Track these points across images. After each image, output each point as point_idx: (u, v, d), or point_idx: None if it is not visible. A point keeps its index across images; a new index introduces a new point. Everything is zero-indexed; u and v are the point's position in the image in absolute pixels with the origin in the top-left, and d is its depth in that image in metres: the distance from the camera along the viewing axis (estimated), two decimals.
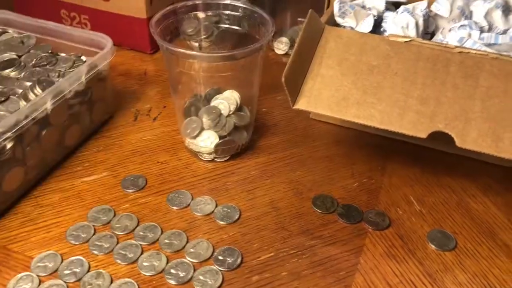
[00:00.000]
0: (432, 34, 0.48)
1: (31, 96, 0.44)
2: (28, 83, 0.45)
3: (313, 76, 0.43)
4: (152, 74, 0.61)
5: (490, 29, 0.44)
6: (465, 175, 0.47)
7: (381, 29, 0.46)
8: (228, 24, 0.52)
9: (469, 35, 0.43)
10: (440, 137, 0.39)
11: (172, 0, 0.63)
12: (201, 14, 0.64)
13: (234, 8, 0.49)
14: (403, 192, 0.45)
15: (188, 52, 0.42)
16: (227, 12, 0.50)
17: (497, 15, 0.44)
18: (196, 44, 0.62)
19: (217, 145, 0.47)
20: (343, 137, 0.51)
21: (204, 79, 0.48)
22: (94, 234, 0.40)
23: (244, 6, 0.48)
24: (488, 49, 0.42)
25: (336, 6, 0.46)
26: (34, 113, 0.42)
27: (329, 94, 0.42)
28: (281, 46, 0.66)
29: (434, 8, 0.47)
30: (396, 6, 0.48)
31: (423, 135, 0.39)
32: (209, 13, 0.64)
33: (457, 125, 0.39)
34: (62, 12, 0.65)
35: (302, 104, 0.42)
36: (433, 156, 0.49)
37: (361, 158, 0.49)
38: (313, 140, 0.51)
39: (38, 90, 0.44)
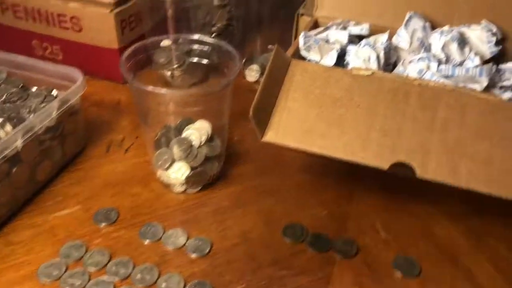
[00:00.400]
0: (394, 65, 0.50)
1: (1, 133, 0.44)
2: None
3: (281, 109, 0.44)
4: (125, 104, 0.62)
5: (447, 60, 0.47)
6: (430, 202, 0.49)
7: (345, 62, 0.48)
8: (198, 56, 0.53)
9: (428, 67, 0.45)
10: (401, 168, 0.41)
11: (143, 30, 0.64)
12: (172, 44, 0.65)
13: (203, 42, 0.50)
14: (370, 220, 0.46)
15: (157, 90, 0.43)
16: (196, 46, 0.51)
17: (453, 47, 0.46)
18: (169, 73, 0.63)
19: (188, 177, 0.48)
20: (313, 165, 0.53)
21: (174, 111, 0.48)
22: (66, 271, 0.41)
23: (212, 41, 0.50)
24: (446, 81, 0.44)
25: (301, 40, 0.48)
26: (5, 151, 0.42)
27: (295, 127, 0.44)
28: (252, 74, 0.67)
29: (395, 40, 0.49)
30: (360, 38, 0.50)
31: (385, 166, 0.40)
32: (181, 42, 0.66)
33: (417, 156, 0.40)
34: (33, 43, 0.65)
35: (270, 137, 0.43)
36: (399, 182, 0.51)
37: (330, 185, 0.50)
38: (284, 168, 0.52)
39: (8, 127, 0.45)
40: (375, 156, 0.41)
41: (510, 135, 0.40)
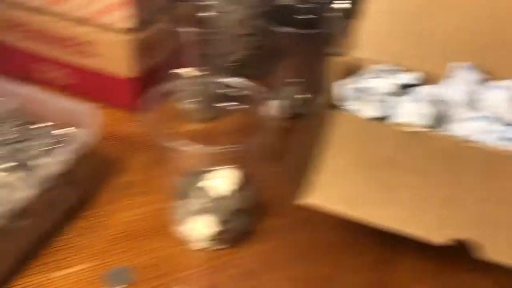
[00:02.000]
0: (445, 121, 0.45)
1: (14, 181, 0.39)
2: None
3: (324, 168, 0.40)
4: (139, 137, 0.55)
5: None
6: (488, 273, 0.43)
7: (387, 115, 0.43)
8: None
9: (488, 128, 0.40)
10: (461, 246, 0.36)
11: (158, 59, 0.58)
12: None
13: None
14: None
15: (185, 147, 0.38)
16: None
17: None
18: (188, 107, 0.58)
19: (215, 234, 0.42)
20: (350, 221, 0.48)
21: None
22: None
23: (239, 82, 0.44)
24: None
25: (336, 90, 0.43)
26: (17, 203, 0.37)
27: (340, 189, 0.39)
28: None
29: (446, 93, 0.44)
30: (403, 87, 0.45)
31: (441, 240, 0.36)
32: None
33: (483, 233, 0.36)
34: (34, 65, 0.60)
35: (312, 198, 0.39)
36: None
37: (369, 246, 0.45)
38: (320, 223, 0.46)
39: (21, 173, 0.39)
40: (431, 228, 0.36)
41: None
